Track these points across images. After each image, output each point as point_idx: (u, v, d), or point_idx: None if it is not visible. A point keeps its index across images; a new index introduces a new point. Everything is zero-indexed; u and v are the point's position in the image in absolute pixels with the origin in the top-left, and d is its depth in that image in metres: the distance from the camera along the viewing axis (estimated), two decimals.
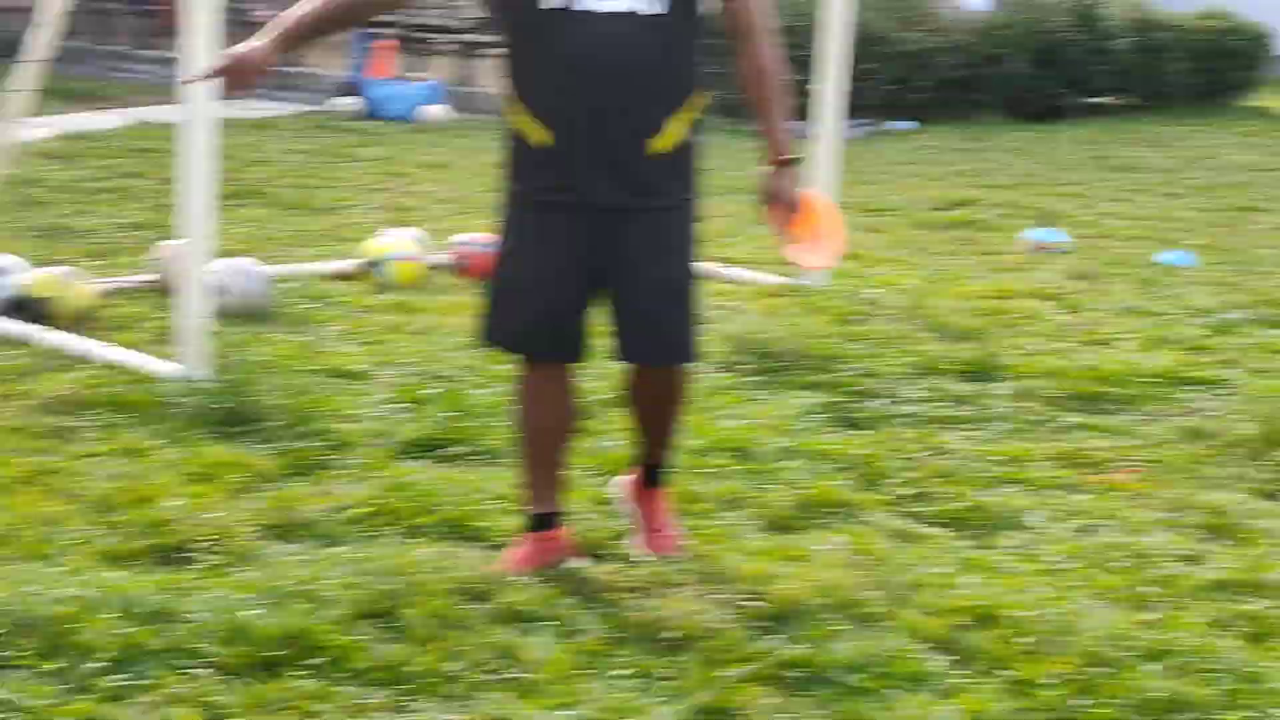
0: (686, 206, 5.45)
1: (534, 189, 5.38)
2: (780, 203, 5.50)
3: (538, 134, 5.31)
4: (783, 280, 10.13)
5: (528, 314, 5.42)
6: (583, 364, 5.54)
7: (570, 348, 5.48)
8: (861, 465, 6.65)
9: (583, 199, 5.31)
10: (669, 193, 5.39)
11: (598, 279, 5.40)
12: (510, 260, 5.47)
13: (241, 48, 5.26)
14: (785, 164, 5.48)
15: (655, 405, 5.67)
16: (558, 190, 5.32)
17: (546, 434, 5.59)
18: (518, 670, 4.64)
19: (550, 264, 5.37)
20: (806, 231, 5.62)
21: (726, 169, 13.11)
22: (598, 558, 5.57)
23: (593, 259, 5.38)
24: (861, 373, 8.05)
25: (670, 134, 5.33)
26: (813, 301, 9.63)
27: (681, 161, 5.41)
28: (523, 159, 5.40)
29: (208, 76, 5.42)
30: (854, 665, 4.75)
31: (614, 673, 4.64)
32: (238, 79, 5.27)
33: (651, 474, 5.78)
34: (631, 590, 5.26)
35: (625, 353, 5.50)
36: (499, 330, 5.50)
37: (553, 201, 5.34)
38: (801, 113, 18.02)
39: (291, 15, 5.31)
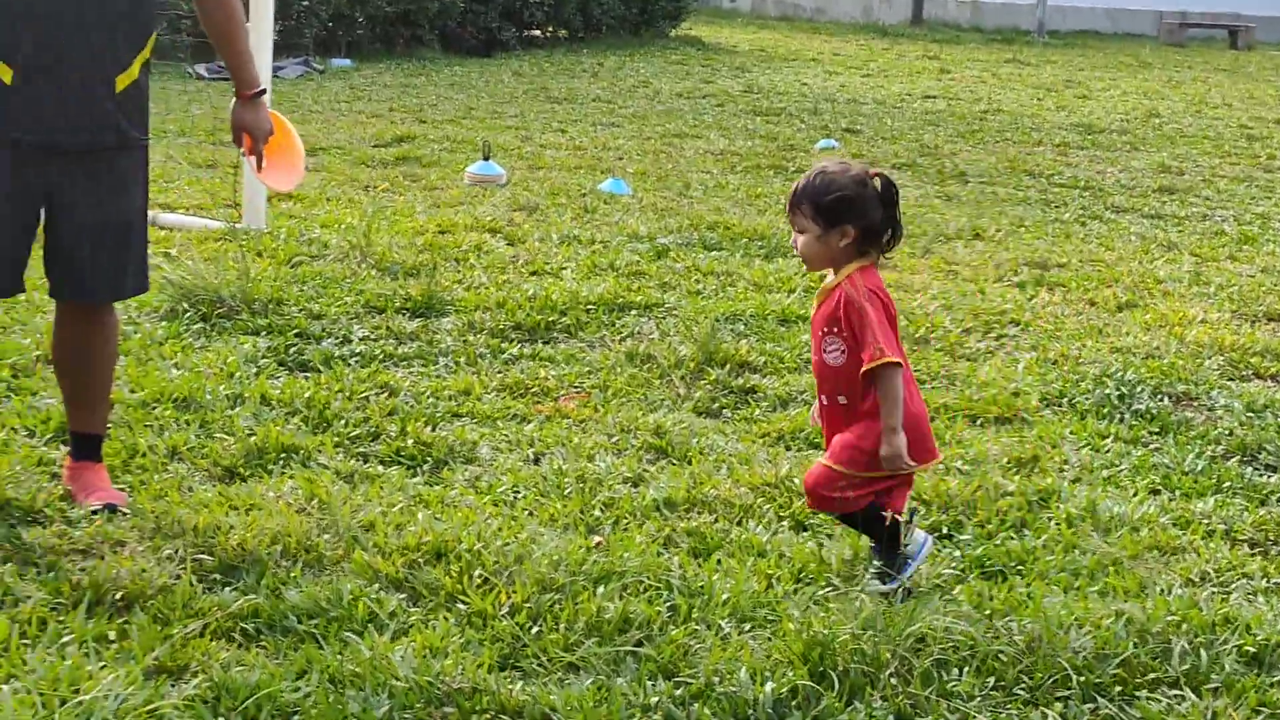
0: (143, 146, 5.41)
1: None
2: (252, 134, 5.57)
3: None
4: (225, 225, 9.93)
5: None
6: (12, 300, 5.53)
7: (11, 285, 5.35)
8: (310, 408, 6.57)
9: (43, 137, 5.19)
10: (126, 132, 5.33)
11: (38, 217, 5.31)
12: None
13: None
14: (254, 97, 5.56)
15: (79, 353, 5.58)
16: (15, 127, 5.17)
17: None
18: None
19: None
20: (274, 156, 5.73)
21: (160, 112, 12.84)
22: (39, 522, 5.36)
23: (40, 198, 5.27)
24: (308, 314, 7.97)
25: (132, 72, 5.27)
26: (256, 245, 9.47)
27: (138, 100, 5.35)
28: None
29: None
30: (309, 611, 4.70)
31: (59, 640, 4.46)
32: None
33: (82, 446, 5.64)
34: (75, 553, 5.08)
35: (56, 290, 5.45)
36: None
37: (7, 138, 5.18)
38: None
39: None
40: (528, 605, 4.77)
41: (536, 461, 6.17)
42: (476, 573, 4.98)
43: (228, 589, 4.85)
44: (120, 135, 5.31)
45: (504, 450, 6.28)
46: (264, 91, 5.61)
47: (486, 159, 12.65)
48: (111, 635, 4.52)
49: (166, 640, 4.45)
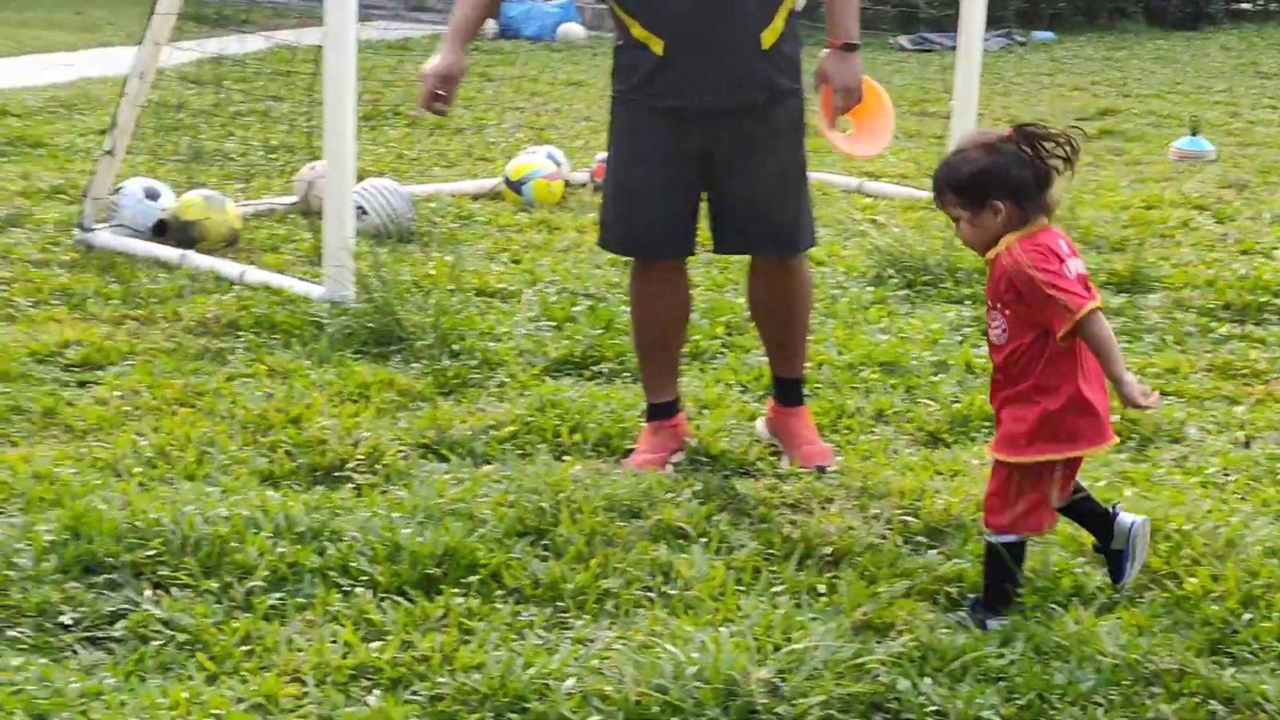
0: (794, 97, 5.47)
1: (644, 94, 5.43)
2: (834, 88, 5.45)
3: (648, 40, 5.35)
4: (930, 194, 10.00)
5: (637, 216, 5.53)
6: (692, 257, 5.74)
7: (678, 245, 5.60)
8: None
9: (696, 101, 5.36)
10: (778, 85, 5.41)
11: (706, 176, 5.48)
12: (619, 164, 5.56)
13: (440, 64, 5.42)
14: (845, 48, 5.44)
15: (774, 303, 5.73)
16: (669, 95, 5.37)
17: (660, 327, 5.72)
18: (673, 587, 4.61)
19: (658, 167, 5.44)
20: (857, 119, 5.62)
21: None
22: (751, 474, 5.54)
23: (702, 158, 5.45)
24: None
25: (776, 26, 5.35)
26: None
27: (787, 53, 5.44)
28: (632, 65, 5.45)
29: (433, 101, 5.48)
30: None
31: (770, 589, 4.60)
32: (448, 92, 5.45)
33: (786, 391, 5.77)
34: (785, 506, 5.23)
35: (739, 245, 5.67)
36: (613, 233, 5.65)
37: (663, 107, 5.40)
38: (943, 24, 17.73)
39: (458, 21, 5.54)
40: (1239, 591, 4.63)
41: (1247, 445, 5.97)
42: (1184, 553, 4.86)
43: (932, 552, 4.89)
44: (772, 91, 5.41)
45: (1212, 432, 6.11)
46: (856, 46, 5.45)
47: (1194, 134, 12.32)
48: (820, 588, 4.62)
49: (873, 598, 4.52)
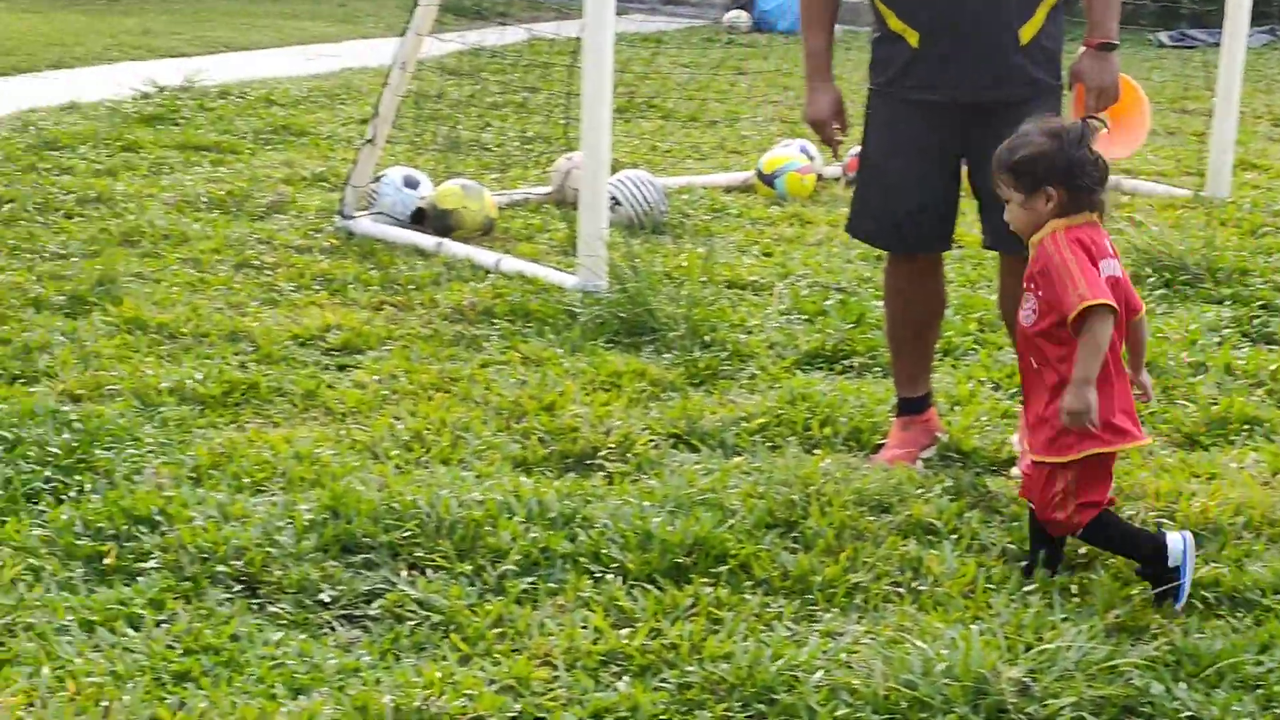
0: (1053, 94, 5.42)
1: (899, 87, 5.42)
2: (1087, 87, 5.35)
3: (904, 32, 5.35)
4: (1189, 193, 9.84)
5: (891, 209, 5.51)
6: (948, 252, 5.72)
7: (933, 240, 5.58)
8: (1274, 382, 6.41)
9: (951, 95, 5.33)
10: (1037, 80, 5.36)
11: (957, 172, 5.48)
12: (875, 157, 5.56)
13: (823, 106, 5.60)
14: (1102, 48, 5.35)
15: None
16: (924, 88, 5.36)
17: (914, 321, 5.71)
18: (923, 583, 4.59)
19: (914, 160, 5.43)
20: (1114, 118, 5.51)
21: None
22: (1002, 472, 5.49)
23: (958, 152, 5.43)
24: (1273, 287, 7.77)
25: (1037, 20, 5.31)
26: (1220, 213, 9.32)
27: (1048, 48, 5.38)
28: (888, 58, 5.45)
29: (836, 139, 5.68)
30: (1272, 586, 4.59)
31: (1021, 588, 4.55)
32: (842, 125, 5.63)
33: None
34: None
35: (990, 241, 5.59)
36: (864, 224, 5.66)
37: (918, 100, 5.38)
38: (1204, 20, 17.38)
39: (815, 52, 5.70)
40: None
41: None
42: None
43: None
44: (1031, 86, 5.35)
45: None
46: (1114, 46, 5.34)
47: None
48: (1072, 589, 4.56)
49: (1127, 600, 4.45)
